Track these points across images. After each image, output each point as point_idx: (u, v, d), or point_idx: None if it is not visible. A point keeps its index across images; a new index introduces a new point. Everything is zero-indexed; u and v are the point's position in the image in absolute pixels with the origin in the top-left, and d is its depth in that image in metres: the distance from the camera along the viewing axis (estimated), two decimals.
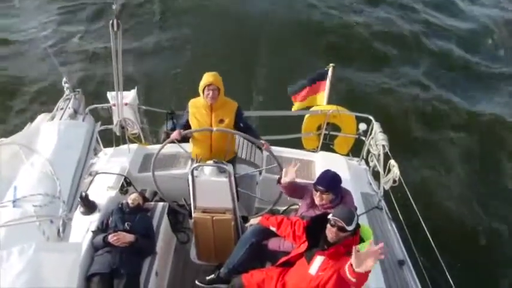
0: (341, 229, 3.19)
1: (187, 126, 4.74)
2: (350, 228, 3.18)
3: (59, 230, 2.27)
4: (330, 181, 3.88)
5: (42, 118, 3.01)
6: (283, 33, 13.49)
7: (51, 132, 2.71)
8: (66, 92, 3.31)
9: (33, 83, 11.61)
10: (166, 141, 4.57)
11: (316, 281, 3.23)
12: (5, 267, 1.83)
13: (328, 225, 3.28)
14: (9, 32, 13.85)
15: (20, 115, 10.12)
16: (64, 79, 3.35)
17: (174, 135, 4.50)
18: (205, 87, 4.41)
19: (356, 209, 4.15)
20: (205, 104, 4.52)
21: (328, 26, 14.16)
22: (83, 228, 4.38)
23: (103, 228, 4.37)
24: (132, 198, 4.63)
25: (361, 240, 3.31)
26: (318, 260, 3.28)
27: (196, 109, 4.62)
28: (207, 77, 4.42)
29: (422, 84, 11.99)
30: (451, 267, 4.52)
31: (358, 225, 3.31)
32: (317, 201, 3.91)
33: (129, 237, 4.15)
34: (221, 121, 4.56)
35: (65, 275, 1.97)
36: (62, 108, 3.10)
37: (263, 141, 4.52)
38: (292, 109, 6.92)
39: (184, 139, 4.83)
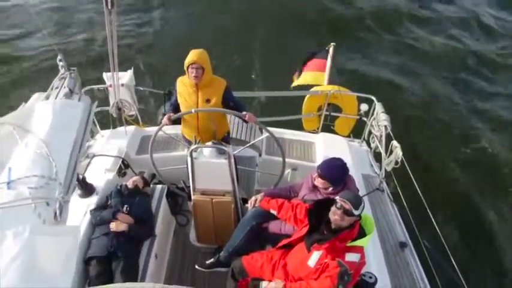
0: (346, 212, 3.11)
1: (177, 105, 4.67)
2: (357, 212, 3.11)
3: (55, 213, 2.20)
4: (332, 172, 3.77)
5: (36, 97, 2.92)
6: (283, 12, 13.37)
7: (46, 112, 2.61)
8: (61, 70, 3.21)
9: (27, 62, 11.51)
10: (159, 126, 4.51)
11: (315, 274, 3.20)
12: None
13: (333, 208, 3.18)
14: (3, 11, 13.66)
15: (13, 94, 10.01)
16: (59, 57, 3.24)
17: (164, 120, 4.47)
18: (189, 65, 4.29)
19: (358, 191, 4.11)
20: (191, 82, 4.41)
21: (328, 4, 13.97)
22: (81, 211, 4.33)
23: (102, 208, 4.32)
24: (132, 181, 4.58)
25: (363, 234, 3.22)
26: (316, 254, 3.23)
27: (184, 88, 4.53)
28: (191, 55, 4.27)
29: (428, 63, 11.95)
30: (454, 249, 4.49)
31: (359, 217, 3.23)
32: (315, 182, 3.84)
33: (122, 227, 4.09)
34: (208, 100, 4.46)
35: (63, 259, 1.91)
36: (57, 87, 3.01)
37: (245, 112, 4.35)
38: (293, 85, 6.83)
39: (179, 120, 4.76)
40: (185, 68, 4.35)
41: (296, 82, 6.80)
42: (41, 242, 1.86)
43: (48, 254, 1.86)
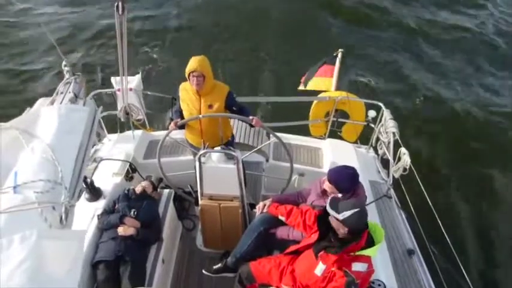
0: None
1: (181, 111, 4.69)
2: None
3: (61, 217, 2.21)
4: (340, 178, 3.73)
5: (41, 102, 2.93)
6: (292, 16, 13.39)
7: (51, 117, 2.62)
8: (66, 75, 3.23)
9: (33, 67, 11.60)
10: (167, 133, 4.54)
11: (323, 283, 3.17)
12: (6, 255, 1.77)
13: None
14: (8, 15, 13.84)
15: (19, 99, 10.04)
16: (64, 62, 3.26)
17: (171, 126, 4.50)
18: (189, 73, 4.30)
19: (366, 198, 4.07)
20: (193, 89, 4.43)
21: (337, 8, 14.00)
22: (88, 214, 4.35)
23: (110, 212, 4.33)
24: (141, 186, 4.59)
25: (372, 243, 3.18)
26: (323, 265, 3.21)
27: (187, 94, 4.55)
28: (192, 63, 4.27)
29: (435, 69, 11.85)
30: (462, 256, 4.43)
31: (365, 227, 3.17)
32: (324, 185, 3.83)
33: (130, 231, 4.10)
34: (210, 106, 4.47)
35: (68, 263, 1.91)
36: (61, 93, 3.02)
37: (252, 117, 4.35)
38: (299, 88, 6.82)
39: (184, 126, 4.78)
40: (186, 76, 4.37)
41: (303, 87, 6.78)
42: (48, 246, 1.86)
43: (54, 258, 1.86)
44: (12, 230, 1.90)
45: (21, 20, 13.56)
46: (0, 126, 2.42)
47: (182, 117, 4.66)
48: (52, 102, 2.90)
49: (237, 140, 5.60)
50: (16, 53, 12.25)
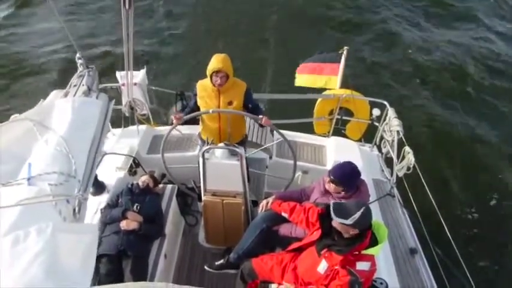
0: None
1: (196, 109, 4.60)
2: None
3: (74, 210, 2.21)
4: (345, 175, 3.71)
5: (55, 95, 2.94)
6: (295, 13, 13.33)
7: (65, 109, 2.63)
8: (80, 68, 3.23)
9: (46, 59, 11.61)
10: (172, 127, 4.50)
11: (326, 280, 3.17)
12: (23, 247, 1.78)
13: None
14: (23, 9, 13.86)
15: (32, 91, 10.04)
16: (78, 55, 3.25)
17: (175, 121, 4.41)
18: (213, 72, 4.24)
19: (369, 196, 4.08)
20: (213, 87, 4.36)
21: (341, 6, 13.99)
22: (92, 208, 4.34)
23: (113, 207, 4.33)
24: (142, 180, 4.57)
25: (375, 242, 3.17)
26: (326, 263, 3.21)
27: (205, 92, 4.47)
28: (216, 63, 4.20)
29: (442, 67, 11.75)
30: (465, 256, 4.44)
31: (369, 226, 3.17)
32: (327, 186, 3.81)
33: (133, 225, 4.10)
34: (230, 103, 4.42)
35: (82, 257, 1.92)
36: (75, 85, 3.02)
37: (261, 116, 4.28)
38: (295, 82, 6.73)
39: (193, 121, 4.74)
40: (208, 74, 4.30)
41: (301, 82, 6.71)
42: (63, 239, 1.87)
43: (69, 251, 1.87)
44: (28, 222, 1.91)
45: (36, 12, 13.59)
46: (14, 118, 2.42)
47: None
48: (66, 95, 2.91)
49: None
50: (30, 44, 12.29)
